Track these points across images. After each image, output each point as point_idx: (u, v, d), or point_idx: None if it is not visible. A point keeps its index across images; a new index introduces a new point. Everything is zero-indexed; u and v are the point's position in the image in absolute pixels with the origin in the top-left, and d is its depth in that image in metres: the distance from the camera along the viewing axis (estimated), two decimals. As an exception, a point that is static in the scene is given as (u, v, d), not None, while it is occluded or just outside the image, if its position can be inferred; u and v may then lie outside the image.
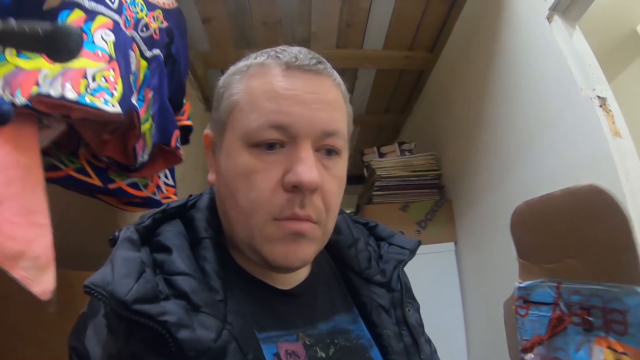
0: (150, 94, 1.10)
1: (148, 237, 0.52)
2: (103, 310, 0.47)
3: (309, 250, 0.50)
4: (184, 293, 0.45)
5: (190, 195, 0.60)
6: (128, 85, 0.92)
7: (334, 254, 0.63)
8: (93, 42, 0.90)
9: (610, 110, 0.98)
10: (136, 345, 0.44)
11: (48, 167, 0.94)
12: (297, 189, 0.47)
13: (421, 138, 2.15)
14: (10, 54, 0.81)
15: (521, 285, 0.53)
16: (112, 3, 1.04)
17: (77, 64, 0.84)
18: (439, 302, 1.60)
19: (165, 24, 1.23)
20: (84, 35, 0.91)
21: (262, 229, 0.48)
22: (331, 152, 0.51)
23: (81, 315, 0.49)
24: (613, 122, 0.97)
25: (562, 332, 0.44)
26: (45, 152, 0.90)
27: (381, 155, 1.97)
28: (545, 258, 0.53)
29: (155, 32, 1.18)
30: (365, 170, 1.99)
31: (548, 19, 1.14)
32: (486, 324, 1.46)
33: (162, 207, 0.56)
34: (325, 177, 0.50)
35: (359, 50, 1.92)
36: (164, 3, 1.25)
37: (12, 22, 0.49)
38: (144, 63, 1.12)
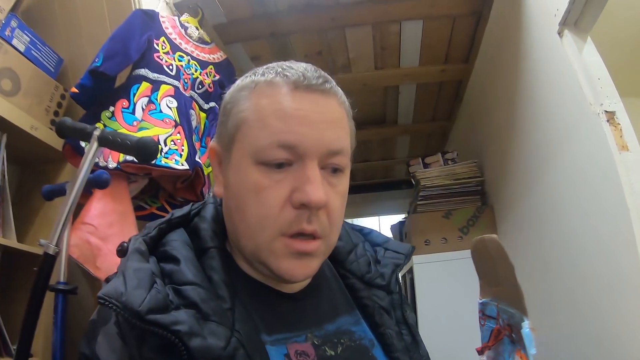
0: (210, 142, 1.34)
1: (154, 247, 0.53)
2: (114, 318, 0.48)
3: (314, 265, 0.53)
4: (194, 302, 0.47)
5: (193, 204, 0.62)
6: (192, 145, 1.15)
7: (334, 258, 0.65)
8: (160, 111, 1.15)
9: (619, 124, 1.04)
10: (148, 352, 0.45)
11: (136, 208, 1.20)
12: (304, 206, 0.49)
13: (466, 144, 2.23)
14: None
15: (480, 301, 0.66)
16: (171, 71, 1.28)
17: (151, 132, 1.08)
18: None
19: (217, 77, 1.46)
20: (153, 106, 1.16)
21: (270, 243, 0.50)
22: (336, 170, 0.53)
23: (90, 323, 0.50)
24: (621, 136, 1.02)
25: (501, 342, 0.56)
26: (133, 197, 1.17)
27: (426, 165, 2.08)
28: (490, 282, 0.66)
29: (209, 86, 1.41)
30: (412, 180, 2.11)
31: (559, 33, 1.20)
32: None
33: (166, 218, 0.58)
34: (331, 195, 0.52)
35: (397, 69, 2.05)
36: (214, 58, 1.49)
37: (110, 132, 0.74)
38: (203, 115, 1.36)
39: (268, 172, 0.50)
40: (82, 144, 1.13)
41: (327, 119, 0.52)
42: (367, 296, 0.61)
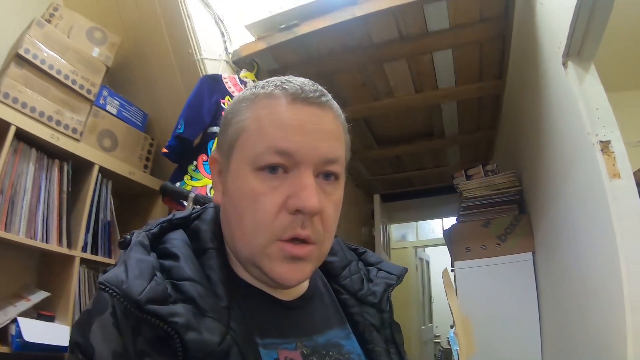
0: None
1: (155, 244, 0.54)
2: (110, 308, 0.47)
3: (306, 270, 0.54)
4: (192, 298, 0.48)
5: (194, 208, 0.63)
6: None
7: (328, 273, 0.67)
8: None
9: (613, 152, 1.17)
10: (143, 344, 0.45)
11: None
12: (299, 212, 0.50)
13: (508, 154, 2.34)
14: (186, 180, 1.42)
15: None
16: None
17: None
18: (517, 305, 1.84)
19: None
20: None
21: (265, 248, 0.52)
22: (330, 176, 0.54)
23: (85, 312, 0.50)
24: (613, 164, 1.16)
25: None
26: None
27: (468, 177, 2.23)
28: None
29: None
30: (457, 191, 2.27)
31: (564, 64, 1.31)
32: (558, 323, 1.65)
33: (168, 217, 0.59)
34: (325, 202, 0.53)
35: (436, 91, 2.23)
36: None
37: (200, 195, 1.07)
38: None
39: (265, 179, 0.52)
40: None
41: (323, 130, 0.54)
42: (359, 312, 0.63)
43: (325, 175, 0.54)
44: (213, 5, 1.89)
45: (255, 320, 0.53)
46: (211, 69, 1.77)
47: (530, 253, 1.90)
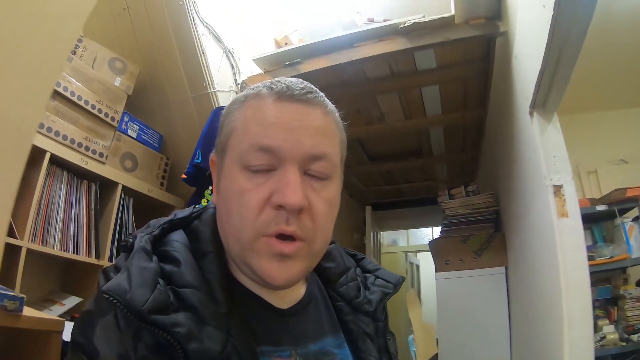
0: None
1: (156, 245, 0.54)
2: (113, 311, 0.47)
3: (295, 269, 0.53)
4: (192, 306, 0.48)
5: (194, 207, 0.64)
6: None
7: (325, 279, 0.66)
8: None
9: (564, 195, 1.40)
10: (143, 350, 0.46)
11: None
12: (282, 208, 0.50)
13: (487, 176, 2.58)
14: (203, 203, 1.63)
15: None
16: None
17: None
18: (490, 313, 2.08)
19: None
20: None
21: (252, 243, 0.51)
22: (319, 174, 0.54)
23: (86, 312, 0.49)
24: (563, 206, 1.39)
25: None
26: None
27: (451, 196, 2.46)
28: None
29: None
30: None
31: (530, 114, 1.54)
32: (522, 331, 1.89)
33: (169, 218, 0.59)
34: (314, 199, 0.52)
35: (424, 118, 2.45)
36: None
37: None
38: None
39: (251, 176, 0.52)
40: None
41: (307, 126, 0.53)
42: (353, 321, 0.62)
43: (315, 174, 0.54)
44: (224, 39, 2.09)
45: (251, 327, 0.53)
46: (222, 99, 1.97)
47: (504, 267, 2.13)
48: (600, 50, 2.17)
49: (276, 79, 0.57)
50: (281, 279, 0.52)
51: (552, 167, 1.45)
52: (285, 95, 0.54)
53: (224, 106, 1.99)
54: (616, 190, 2.38)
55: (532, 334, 1.65)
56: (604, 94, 2.65)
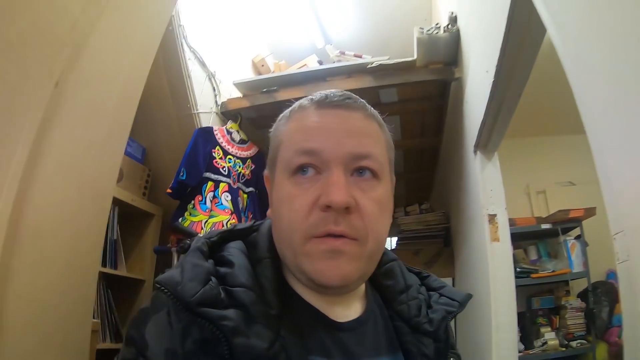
0: (251, 215, 2.06)
1: (214, 252, 0.57)
2: (166, 308, 0.50)
3: (349, 267, 0.52)
4: (243, 304, 0.50)
5: (255, 222, 0.65)
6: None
7: (386, 298, 0.64)
8: (222, 203, 1.88)
9: (497, 223, 1.69)
10: (191, 345, 0.48)
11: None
12: (330, 208, 0.51)
13: (440, 195, 2.88)
14: (186, 215, 1.80)
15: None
16: (225, 171, 2.01)
17: (218, 219, 1.82)
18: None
19: (253, 167, 2.18)
20: (216, 200, 1.89)
21: (302, 246, 0.52)
22: (364, 172, 0.54)
23: (142, 310, 0.52)
24: (496, 232, 1.68)
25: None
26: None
27: (407, 213, 2.74)
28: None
29: (248, 175, 2.13)
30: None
31: (474, 152, 1.84)
32: (466, 335, 2.19)
33: (229, 228, 0.62)
34: (362, 198, 0.53)
35: (385, 140, 2.70)
36: (250, 153, 2.21)
37: (180, 225, 1.47)
38: (245, 196, 2.08)
39: (299, 182, 0.54)
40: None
41: (348, 128, 0.55)
42: (412, 341, 0.60)
43: (360, 172, 0.54)
44: (207, 63, 2.26)
45: (303, 335, 0.53)
46: (204, 120, 2.14)
47: (451, 278, 2.42)
48: (552, 79, 2.46)
49: (319, 92, 0.60)
50: (335, 277, 0.52)
51: (489, 199, 1.74)
52: (325, 103, 0.57)
53: (206, 127, 2.18)
54: (560, 211, 2.73)
55: (470, 337, 1.94)
56: (557, 120, 2.87)
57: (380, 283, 0.65)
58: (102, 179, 1.24)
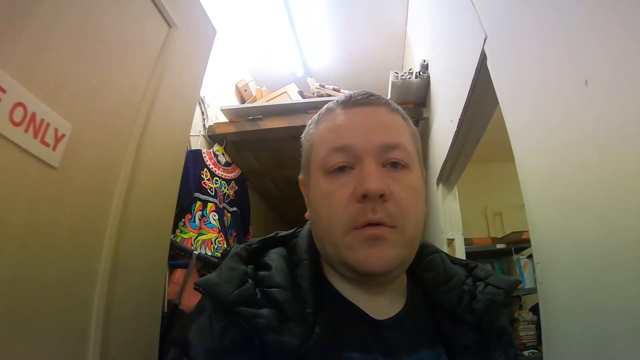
0: (234, 233, 2.22)
1: (256, 257, 0.60)
2: (208, 311, 0.54)
3: (390, 253, 0.53)
4: (278, 303, 0.52)
5: (297, 229, 0.68)
6: (227, 240, 2.04)
7: (427, 291, 0.64)
8: (210, 222, 2.03)
9: (455, 246, 1.94)
10: (229, 343, 0.51)
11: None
12: (366, 198, 0.53)
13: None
14: (177, 233, 1.95)
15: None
16: (212, 192, 2.16)
17: (207, 237, 1.98)
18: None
19: (236, 188, 2.35)
20: (205, 219, 2.05)
21: (343, 238, 0.54)
22: (397, 164, 0.56)
23: (187, 315, 0.55)
24: (453, 253, 1.92)
25: None
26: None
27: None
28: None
29: (232, 195, 2.30)
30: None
31: (437, 184, 2.09)
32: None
33: (272, 235, 0.65)
34: (395, 186, 0.55)
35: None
36: (234, 175, 2.37)
37: (203, 255, 1.63)
38: (229, 215, 2.25)
39: (334, 178, 0.56)
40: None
41: (374, 122, 0.57)
42: (452, 332, 0.59)
43: (392, 164, 0.56)
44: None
45: (341, 332, 0.54)
46: (193, 143, 2.30)
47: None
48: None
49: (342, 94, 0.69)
50: (377, 263, 0.53)
51: (448, 225, 1.99)
52: (351, 102, 0.61)
53: (196, 149, 2.34)
54: (514, 232, 3.02)
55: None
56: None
57: (422, 277, 0.65)
58: (162, 219, 1.40)
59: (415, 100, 2.27)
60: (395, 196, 0.54)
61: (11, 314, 0.71)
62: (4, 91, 0.66)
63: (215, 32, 1.65)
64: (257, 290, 0.54)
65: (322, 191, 0.57)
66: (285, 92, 2.77)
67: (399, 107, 0.64)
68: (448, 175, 2.00)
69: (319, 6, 2.72)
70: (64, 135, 0.79)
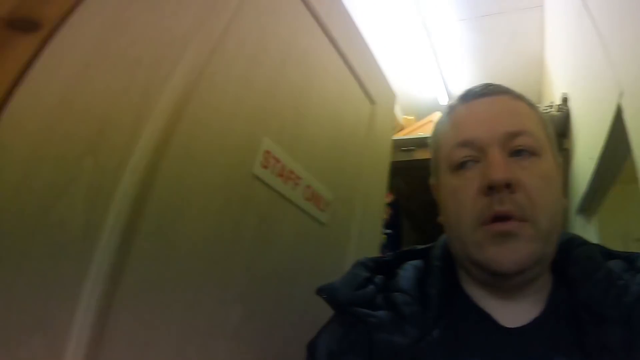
0: (387, 252, 2.62)
1: (389, 268, 0.60)
2: (333, 316, 0.57)
3: (523, 250, 0.48)
4: (395, 305, 0.52)
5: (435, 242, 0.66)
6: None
7: (574, 289, 0.54)
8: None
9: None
10: (346, 344, 0.53)
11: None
12: (493, 190, 0.49)
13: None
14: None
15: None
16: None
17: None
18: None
19: (390, 211, 2.76)
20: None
21: (471, 235, 0.51)
22: (522, 152, 0.52)
23: (323, 325, 0.59)
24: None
25: None
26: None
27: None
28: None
29: (387, 219, 2.71)
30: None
31: (576, 215, 2.14)
32: None
33: (408, 248, 0.65)
34: (523, 175, 0.50)
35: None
36: (389, 199, 2.79)
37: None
38: (384, 237, 2.65)
39: (461, 174, 0.53)
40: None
41: (496, 111, 0.55)
42: (592, 332, 0.48)
43: (518, 153, 0.52)
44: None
45: (461, 337, 0.51)
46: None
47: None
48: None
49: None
50: (508, 262, 0.48)
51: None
52: (470, 95, 0.58)
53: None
54: None
55: None
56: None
57: (567, 274, 0.56)
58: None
59: (555, 130, 2.36)
60: (526, 186, 0.50)
61: None
62: (299, 178, 0.86)
63: (395, 96, 1.68)
64: (378, 295, 0.56)
65: (450, 189, 0.55)
66: (431, 120, 2.99)
67: (524, 95, 0.60)
68: (588, 206, 2.06)
69: (459, 32, 2.73)
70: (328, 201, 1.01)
